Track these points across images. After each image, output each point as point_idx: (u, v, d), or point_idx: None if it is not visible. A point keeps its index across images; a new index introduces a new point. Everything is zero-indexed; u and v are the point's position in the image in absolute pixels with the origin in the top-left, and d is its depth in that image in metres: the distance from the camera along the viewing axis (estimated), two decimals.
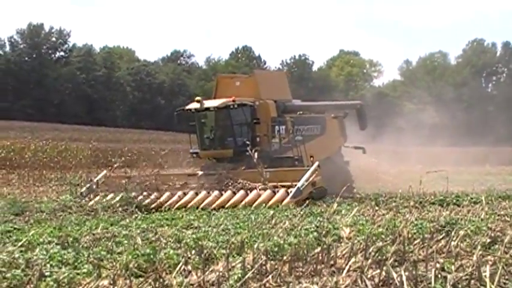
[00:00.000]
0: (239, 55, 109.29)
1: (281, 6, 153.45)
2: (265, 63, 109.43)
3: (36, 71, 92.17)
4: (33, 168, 36.58)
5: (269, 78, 24.66)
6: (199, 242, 8.80)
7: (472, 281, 6.60)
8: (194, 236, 9.67)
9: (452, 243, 8.85)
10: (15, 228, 12.16)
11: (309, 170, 17.27)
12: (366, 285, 6.50)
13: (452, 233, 9.75)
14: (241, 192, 17.12)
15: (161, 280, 6.77)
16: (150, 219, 12.95)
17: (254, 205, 16.26)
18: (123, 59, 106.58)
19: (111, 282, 6.68)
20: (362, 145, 24.77)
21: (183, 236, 9.90)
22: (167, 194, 18.16)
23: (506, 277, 6.76)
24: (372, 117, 31.03)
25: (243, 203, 16.71)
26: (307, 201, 15.70)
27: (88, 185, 20.12)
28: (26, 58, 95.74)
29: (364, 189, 20.38)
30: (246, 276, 6.87)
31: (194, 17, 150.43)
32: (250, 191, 17.12)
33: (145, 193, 18.42)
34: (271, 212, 13.39)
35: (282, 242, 8.48)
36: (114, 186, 19.30)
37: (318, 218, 11.97)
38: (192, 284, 6.72)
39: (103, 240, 9.85)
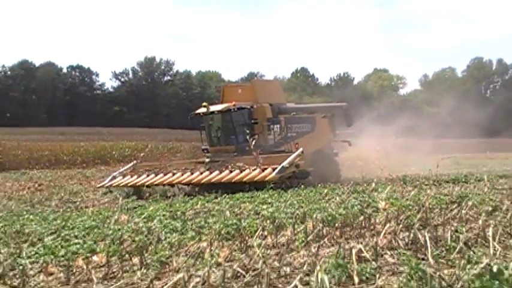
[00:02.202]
0: (298, 74, 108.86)
1: (330, 35, 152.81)
2: (317, 80, 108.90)
3: (150, 91, 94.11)
4: (150, 161, 36.99)
5: (265, 85, 22.75)
6: (273, 214, 8.82)
7: (479, 239, 6.47)
8: (269, 209, 9.70)
9: (463, 211, 8.66)
10: (138, 206, 12.40)
11: (293, 154, 16.09)
12: (398, 244, 6.41)
13: (463, 204, 9.57)
14: (237, 171, 15.93)
15: (245, 242, 6.82)
16: (235, 197, 12.92)
17: (245, 179, 15.34)
18: (212, 80, 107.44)
19: (209, 244, 6.73)
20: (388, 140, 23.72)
21: (260, 209, 9.89)
22: (178, 173, 17.03)
23: (505, 236, 6.60)
24: (400, 118, 30.32)
25: (237, 178, 15.57)
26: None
27: (118, 171, 19.32)
28: (144, 82, 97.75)
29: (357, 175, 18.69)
30: (308, 239, 6.85)
31: (264, 45, 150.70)
32: (244, 170, 15.92)
33: (161, 174, 17.37)
34: (326, 190, 13.31)
35: (334, 213, 8.42)
36: (139, 172, 18.36)
37: (361, 195, 11.85)
38: (268, 245, 6.72)
39: (201, 213, 9.92)
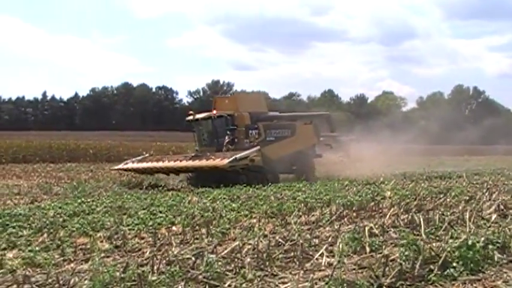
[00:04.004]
0: (326, 94, 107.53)
1: (351, 65, 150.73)
2: (340, 98, 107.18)
3: None
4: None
5: (247, 97, 20.74)
6: (306, 199, 8.81)
7: (459, 221, 6.37)
8: (303, 195, 9.66)
9: (447, 199, 8.57)
10: (205, 190, 12.43)
11: (248, 150, 14.91)
12: (400, 223, 6.32)
13: (447, 194, 9.46)
14: (204, 160, 15.00)
15: (285, 219, 6.83)
16: (278, 186, 12.69)
17: (204, 166, 14.68)
18: None
19: (258, 220, 6.77)
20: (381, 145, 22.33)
21: (296, 195, 9.83)
22: (167, 161, 16.26)
23: (477, 218, 6.48)
24: (400, 129, 29.38)
25: (199, 165, 14.88)
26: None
27: (131, 160, 18.24)
28: (211, 98, 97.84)
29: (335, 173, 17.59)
30: (332, 218, 6.82)
31: (301, 72, 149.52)
32: (208, 160, 14.89)
33: (155, 163, 16.68)
34: (346, 182, 13.13)
35: (352, 199, 8.36)
36: (144, 161, 17.45)
37: (372, 186, 11.70)
38: (301, 222, 6.71)
39: (252, 197, 9.86)
